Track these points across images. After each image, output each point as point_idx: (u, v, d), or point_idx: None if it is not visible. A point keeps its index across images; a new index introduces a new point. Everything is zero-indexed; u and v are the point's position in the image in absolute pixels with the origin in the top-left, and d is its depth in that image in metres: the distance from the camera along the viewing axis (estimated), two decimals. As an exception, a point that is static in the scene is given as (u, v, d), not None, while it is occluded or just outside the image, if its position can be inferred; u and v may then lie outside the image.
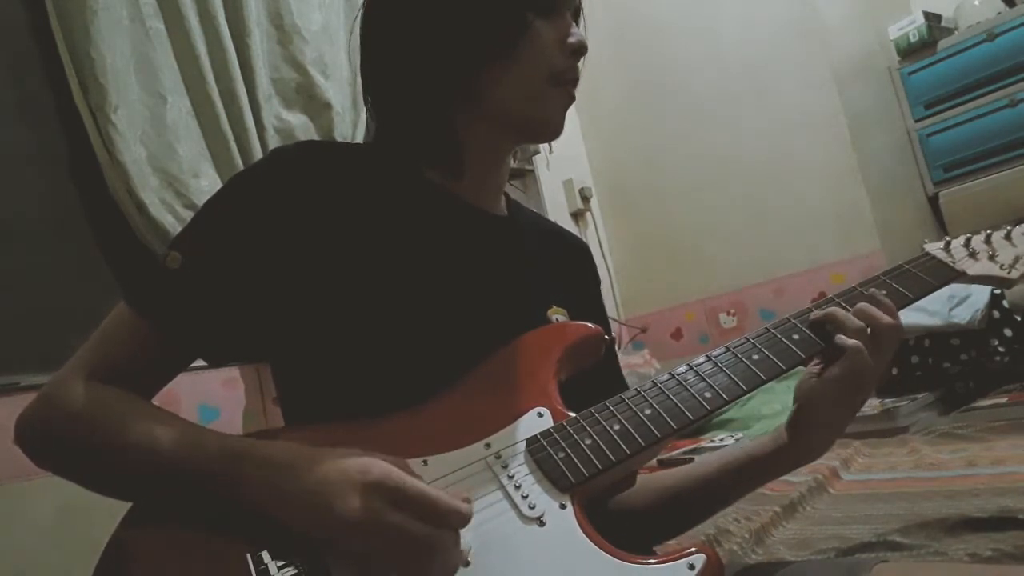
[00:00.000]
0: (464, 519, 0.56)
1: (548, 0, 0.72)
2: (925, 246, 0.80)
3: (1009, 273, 0.76)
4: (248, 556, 0.56)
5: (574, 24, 0.75)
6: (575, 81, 0.75)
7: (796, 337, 0.70)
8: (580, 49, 0.73)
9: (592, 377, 0.74)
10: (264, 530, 0.57)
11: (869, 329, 0.68)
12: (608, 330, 0.85)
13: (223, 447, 0.61)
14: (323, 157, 0.74)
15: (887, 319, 0.68)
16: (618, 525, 0.77)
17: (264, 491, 0.57)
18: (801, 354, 0.69)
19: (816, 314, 0.71)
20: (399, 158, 0.77)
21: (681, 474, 0.82)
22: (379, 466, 0.55)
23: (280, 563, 0.56)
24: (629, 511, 0.81)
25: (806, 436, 0.72)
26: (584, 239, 3.25)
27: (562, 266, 0.86)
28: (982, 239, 0.80)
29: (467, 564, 0.56)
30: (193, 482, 0.60)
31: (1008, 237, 0.80)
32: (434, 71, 0.73)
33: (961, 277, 0.77)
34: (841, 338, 0.67)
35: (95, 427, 0.63)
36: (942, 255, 0.79)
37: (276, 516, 0.57)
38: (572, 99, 0.76)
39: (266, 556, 0.56)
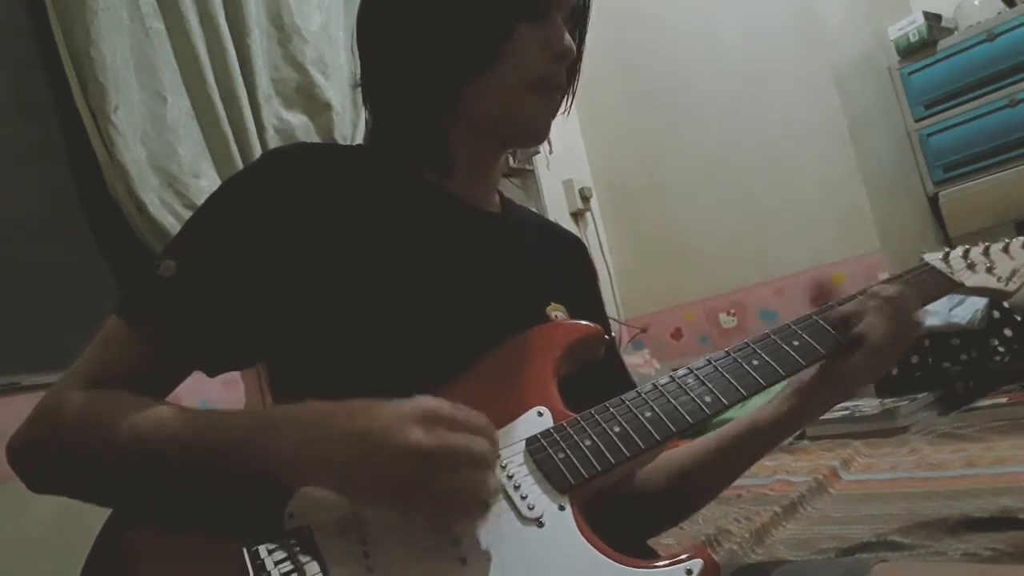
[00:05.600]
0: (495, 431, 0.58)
1: (534, 5, 0.71)
2: (924, 256, 0.80)
3: (1006, 286, 0.77)
4: (244, 550, 0.56)
5: (564, 29, 0.72)
6: (559, 87, 0.74)
7: (796, 343, 0.70)
8: (564, 55, 0.72)
9: (598, 375, 0.74)
10: (261, 523, 0.57)
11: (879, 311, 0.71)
12: (607, 325, 0.85)
13: (249, 417, 0.62)
14: (318, 158, 0.74)
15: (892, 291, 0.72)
16: (634, 510, 0.78)
17: (303, 447, 0.57)
18: (801, 360, 0.69)
19: (828, 314, 0.72)
20: (393, 158, 0.77)
21: (687, 451, 0.82)
22: (425, 399, 0.57)
23: (276, 557, 0.56)
24: (646, 495, 0.81)
25: (812, 406, 0.74)
26: (584, 239, 3.24)
27: (559, 262, 0.86)
28: (980, 251, 0.80)
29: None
30: (218, 459, 0.58)
31: (1006, 250, 0.80)
32: (419, 78, 0.73)
33: (959, 289, 0.78)
34: (857, 325, 0.70)
35: (94, 430, 0.62)
36: (940, 266, 0.79)
37: (315, 471, 0.56)
38: (556, 105, 0.75)
39: (262, 550, 0.56)
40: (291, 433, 0.58)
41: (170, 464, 0.60)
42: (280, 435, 0.58)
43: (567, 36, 0.72)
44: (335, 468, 0.56)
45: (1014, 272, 0.77)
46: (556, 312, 0.77)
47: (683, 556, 0.57)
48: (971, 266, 0.79)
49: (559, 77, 0.73)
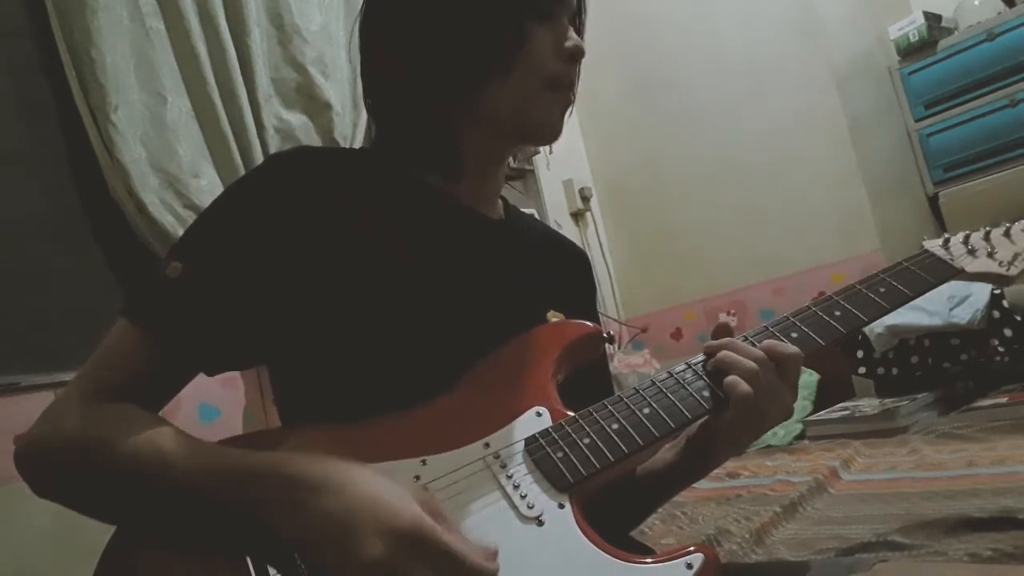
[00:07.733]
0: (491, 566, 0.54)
1: (545, 6, 0.72)
2: (924, 243, 0.80)
3: (1008, 270, 0.76)
4: (248, 559, 0.56)
5: (571, 28, 0.74)
6: (571, 85, 0.75)
7: (794, 336, 0.70)
8: (577, 54, 0.73)
9: (584, 377, 0.74)
10: (265, 537, 0.56)
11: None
12: None
13: (240, 466, 0.58)
14: (321, 162, 0.74)
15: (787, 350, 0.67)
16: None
17: (285, 513, 0.55)
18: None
19: (711, 362, 0.68)
20: (397, 162, 0.77)
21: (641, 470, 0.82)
22: (411, 511, 0.53)
23: (280, 567, 0.55)
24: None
25: (706, 457, 0.73)
26: (584, 239, 3.25)
27: (560, 272, 0.86)
28: (981, 236, 0.80)
29: None
30: (213, 503, 0.57)
31: (1007, 234, 0.80)
32: (432, 82, 0.73)
33: (960, 274, 0.77)
34: (731, 383, 0.65)
35: (94, 450, 0.61)
36: (941, 252, 0.79)
37: (292, 537, 0.55)
38: (569, 102, 0.76)
39: (266, 560, 0.56)
40: (270, 509, 0.55)
41: (167, 496, 0.59)
42: (265, 493, 0.56)
43: (576, 35, 0.74)
44: (311, 548, 0.54)
45: (1016, 256, 0.77)
46: (554, 319, 0.77)
47: (686, 550, 0.57)
48: (972, 251, 0.78)
49: (572, 75, 0.75)
